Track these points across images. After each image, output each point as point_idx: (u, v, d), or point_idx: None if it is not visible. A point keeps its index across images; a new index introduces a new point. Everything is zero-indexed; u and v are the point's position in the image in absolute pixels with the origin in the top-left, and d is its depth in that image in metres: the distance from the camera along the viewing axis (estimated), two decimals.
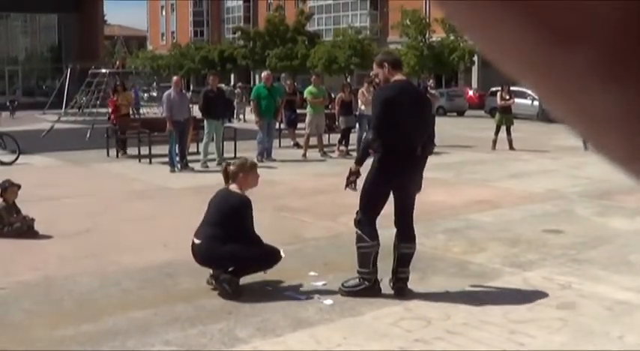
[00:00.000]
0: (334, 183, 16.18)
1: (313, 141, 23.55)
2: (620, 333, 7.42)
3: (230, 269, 8.59)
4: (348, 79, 58.91)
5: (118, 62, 46.88)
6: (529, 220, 12.81)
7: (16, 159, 21.79)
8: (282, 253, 8.91)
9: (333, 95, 30.77)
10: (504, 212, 13.62)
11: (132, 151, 23.36)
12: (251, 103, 23.33)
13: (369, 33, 76.05)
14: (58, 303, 8.43)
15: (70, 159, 23.35)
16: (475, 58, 61.23)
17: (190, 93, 33.43)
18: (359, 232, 8.64)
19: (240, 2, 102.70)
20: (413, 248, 8.74)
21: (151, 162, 21.84)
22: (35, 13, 75.74)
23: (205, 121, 21.07)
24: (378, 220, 8.67)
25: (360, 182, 8.72)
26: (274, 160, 21.94)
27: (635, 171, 0.55)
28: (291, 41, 76.07)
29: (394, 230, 8.76)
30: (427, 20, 64.11)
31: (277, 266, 8.93)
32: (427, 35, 64.55)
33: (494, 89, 39.81)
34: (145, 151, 22.33)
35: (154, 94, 54.49)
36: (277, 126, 25.04)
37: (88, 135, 29.40)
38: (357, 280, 8.63)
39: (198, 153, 21.52)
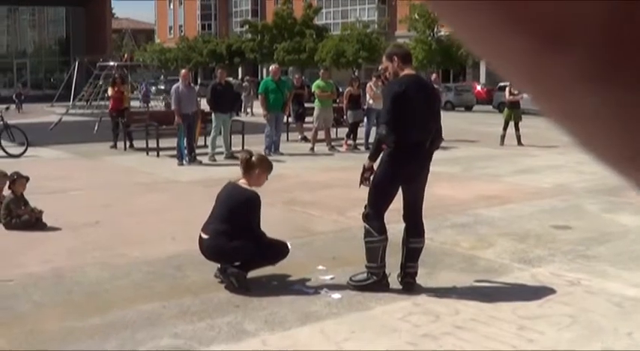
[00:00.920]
0: (342, 177, 16.23)
1: (321, 135, 23.54)
2: (629, 329, 7.40)
3: (237, 263, 8.59)
4: (356, 73, 58.91)
5: (126, 55, 46.90)
6: (538, 216, 12.78)
7: (25, 151, 21.85)
8: (289, 246, 8.91)
9: (340, 89, 30.77)
10: (513, 207, 13.59)
11: (140, 144, 23.38)
12: (259, 96, 23.32)
13: (377, 27, 76.03)
14: (66, 295, 8.43)
15: (78, 151, 23.39)
16: None
17: (198, 86, 33.38)
18: (367, 226, 8.62)
19: None
20: (422, 243, 8.73)
21: (158, 155, 21.87)
22: (43, 6, 75.88)
23: (213, 115, 21.08)
24: (387, 215, 8.66)
25: None
26: (282, 154, 21.94)
27: (624, 170, 0.55)
28: (299, 35, 76.07)
29: (403, 225, 8.75)
30: (435, 14, 63.96)
31: (285, 260, 8.93)
32: (435, 29, 64.53)
33: (502, 84, 39.81)
34: (152, 144, 22.35)
35: (162, 87, 54.53)
36: (285, 120, 25.00)
37: (95, 128, 29.42)
38: (365, 274, 8.62)
39: (206, 146, 21.54)
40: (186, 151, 20.15)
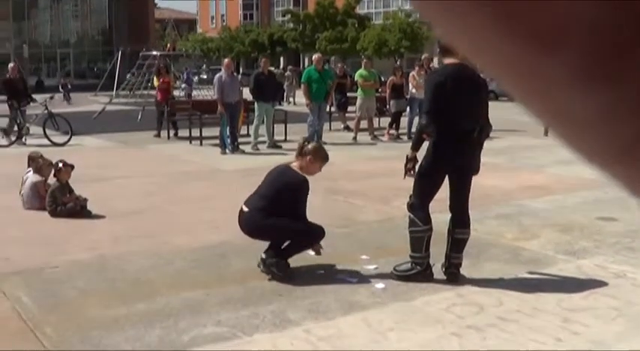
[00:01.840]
0: (385, 166, 16.21)
1: (363, 124, 23.50)
2: None
3: (277, 250, 8.58)
4: (399, 63, 58.76)
5: (169, 45, 47.09)
6: (582, 207, 12.68)
7: (69, 140, 22.05)
8: (324, 230, 8.88)
9: (383, 78, 30.69)
10: (557, 198, 13.49)
11: (183, 132, 23.47)
12: (302, 86, 23.31)
13: (419, 16, 75.68)
14: (111, 282, 8.49)
15: (122, 140, 23.54)
16: None
17: (240, 76, 33.48)
18: (412, 216, 8.59)
19: None
20: (467, 234, 8.68)
21: (201, 144, 21.96)
22: None
23: (256, 104, 21.11)
24: (432, 205, 8.62)
25: None
26: (325, 143, 21.81)
27: (615, 173, 0.54)
28: (341, 24, 75.91)
29: (448, 215, 8.71)
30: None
31: (329, 249, 8.94)
32: None
33: None
34: (196, 133, 22.42)
35: (204, 76, 54.69)
36: (328, 109, 24.98)
37: (139, 117, 29.58)
38: (410, 264, 8.59)
39: (248, 135, 21.59)
40: (229, 140, 20.21)
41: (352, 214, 12.08)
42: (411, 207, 8.63)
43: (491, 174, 14.31)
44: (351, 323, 7.25)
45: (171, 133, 24.19)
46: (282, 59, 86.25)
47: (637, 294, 8.17)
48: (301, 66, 70.94)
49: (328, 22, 76.70)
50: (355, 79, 24.42)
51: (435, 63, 26.28)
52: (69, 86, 47.22)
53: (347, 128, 25.55)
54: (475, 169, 8.69)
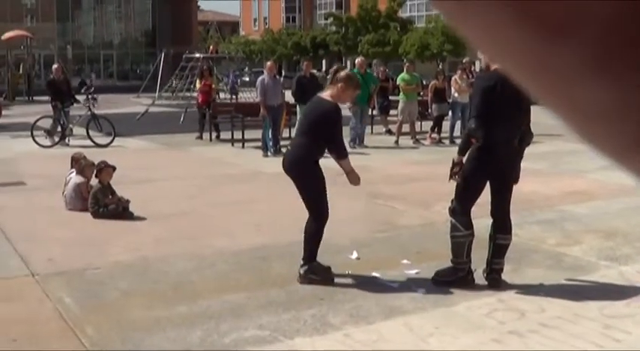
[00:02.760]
0: (427, 171, 16.18)
1: (405, 128, 23.46)
2: None
3: (307, 256, 8.58)
4: (441, 66, 58.60)
5: (212, 47, 47.20)
6: (625, 213, 12.57)
7: (112, 141, 22.18)
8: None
9: (425, 82, 30.63)
10: (599, 204, 13.39)
11: (225, 135, 23.54)
12: None
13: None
14: (153, 284, 8.53)
15: (164, 142, 23.67)
16: None
17: (283, 78, 33.54)
18: (454, 221, 8.57)
19: None
20: (509, 239, 8.64)
21: (243, 146, 22.03)
22: None
23: (298, 107, 21.12)
24: (473, 210, 8.58)
25: None
26: (366, 147, 21.95)
27: (629, 164, 0.55)
28: (384, 27, 75.84)
29: (489, 220, 8.67)
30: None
31: (370, 253, 8.96)
32: None
33: None
34: (238, 135, 22.48)
35: (247, 78, 54.83)
36: (370, 112, 24.97)
37: (181, 118, 29.71)
38: (451, 269, 8.56)
39: (290, 138, 21.59)
40: (271, 143, 20.24)
41: (393, 219, 12.05)
42: (452, 212, 8.60)
43: (532, 179, 14.22)
44: (391, 328, 7.24)
45: (214, 135, 24.27)
46: (324, 62, 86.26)
47: None
48: None
49: (371, 25, 76.65)
50: (397, 82, 24.38)
51: (477, 67, 26.20)
52: (91, 86, 42.41)
53: (389, 132, 25.50)
54: (516, 176, 8.65)
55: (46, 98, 24.64)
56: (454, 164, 8.59)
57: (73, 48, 70.01)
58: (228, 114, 23.96)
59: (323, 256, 8.71)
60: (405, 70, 24.60)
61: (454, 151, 8.93)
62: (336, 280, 8.55)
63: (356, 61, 23.78)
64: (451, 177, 8.63)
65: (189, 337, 6.92)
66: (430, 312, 7.70)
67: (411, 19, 79.75)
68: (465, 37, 0.54)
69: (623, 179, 13.12)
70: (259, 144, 20.73)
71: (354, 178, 8.78)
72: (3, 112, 33.61)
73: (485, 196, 8.61)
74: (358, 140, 22.22)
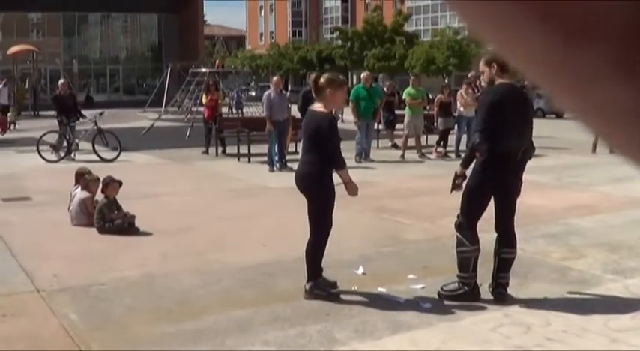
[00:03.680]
0: (433, 185, 16.15)
1: (411, 142, 23.46)
2: None
3: (311, 272, 8.57)
4: (446, 80, 58.63)
5: (217, 62, 47.31)
6: (630, 226, 12.56)
7: (118, 156, 22.19)
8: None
9: (431, 96, 30.64)
10: (605, 218, 13.38)
11: (231, 150, 23.55)
12: (350, 103, 23.34)
13: (467, 33, 75.54)
14: (159, 300, 8.52)
15: (170, 157, 23.69)
16: None
17: (289, 93, 33.59)
18: (459, 235, 8.56)
19: (339, 3, 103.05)
20: (514, 253, 8.64)
21: (249, 161, 22.04)
22: (136, 12, 76.98)
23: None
24: (478, 224, 8.58)
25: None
26: (372, 161, 21.96)
27: None
28: (389, 42, 75.98)
29: (494, 234, 8.66)
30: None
31: (376, 268, 8.94)
32: None
33: None
34: (244, 150, 22.49)
35: (253, 93, 54.92)
36: (376, 127, 24.99)
37: (187, 133, 29.76)
38: (457, 284, 8.56)
39: (297, 153, 21.56)
40: (277, 158, 20.24)
41: (399, 233, 12.04)
42: (458, 226, 8.60)
43: (537, 193, 14.25)
44: (397, 343, 7.23)
45: (220, 150, 24.27)
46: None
47: None
48: (349, 83, 70.99)
49: (376, 39, 76.79)
50: (403, 97, 24.39)
51: (483, 81, 26.21)
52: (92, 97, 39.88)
53: (395, 146, 25.51)
54: (518, 190, 8.66)
55: (52, 113, 24.68)
56: (456, 176, 8.64)
57: (79, 62, 70.12)
58: (234, 129, 23.96)
59: (328, 271, 8.72)
60: (410, 84, 24.61)
61: None
62: (342, 295, 8.54)
63: (361, 75, 23.82)
64: (453, 189, 8.65)
65: None
66: (436, 327, 7.68)
67: (416, 33, 79.91)
68: (484, 40, 0.54)
69: (628, 192, 13.18)
70: (265, 159, 20.74)
71: (352, 188, 8.75)
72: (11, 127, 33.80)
73: (491, 210, 8.60)
74: (364, 154, 22.23)
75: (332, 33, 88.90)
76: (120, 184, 12.48)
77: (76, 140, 22.84)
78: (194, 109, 35.86)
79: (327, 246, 8.58)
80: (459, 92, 23.67)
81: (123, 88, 76.93)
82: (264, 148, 20.96)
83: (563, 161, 21.65)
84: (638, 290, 8.94)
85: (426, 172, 20.07)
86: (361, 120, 22.17)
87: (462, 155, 19.86)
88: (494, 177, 8.40)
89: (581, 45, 0.48)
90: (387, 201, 14.87)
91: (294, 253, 9.41)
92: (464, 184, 8.59)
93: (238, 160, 22.56)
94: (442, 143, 24.06)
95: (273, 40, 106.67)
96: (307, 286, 8.50)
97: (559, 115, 48.89)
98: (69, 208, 12.69)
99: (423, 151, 23.70)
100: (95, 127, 22.97)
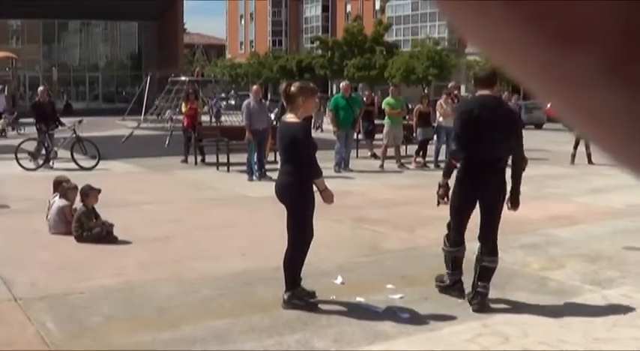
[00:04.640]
0: (412, 195, 16.20)
1: (390, 152, 23.49)
2: None
3: (289, 282, 8.57)
4: (426, 91, 58.78)
5: (197, 70, 47.28)
6: (609, 237, 12.62)
7: (96, 164, 22.10)
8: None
9: (410, 106, 30.69)
10: (584, 228, 13.44)
11: (210, 158, 23.52)
12: (329, 113, 23.36)
13: (447, 44, 75.71)
14: (137, 309, 8.50)
15: (149, 165, 23.64)
16: None
17: (269, 102, 33.59)
18: (445, 235, 8.98)
19: (319, 12, 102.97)
20: (495, 263, 8.76)
21: (229, 170, 22.01)
22: (116, 20, 76.91)
23: None
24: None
25: None
26: (351, 171, 21.97)
27: (636, 167, 0.56)
28: (369, 51, 76.02)
29: (477, 244, 8.73)
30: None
31: (354, 278, 8.94)
32: None
33: None
34: (223, 159, 22.48)
35: (232, 102, 54.91)
36: (355, 136, 25.01)
37: (166, 142, 29.72)
38: (444, 275, 9.07)
39: (276, 162, 21.55)
40: (256, 167, 20.22)
41: (377, 243, 12.04)
42: (448, 226, 8.97)
43: None
44: None
45: (199, 158, 24.24)
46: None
47: None
48: (329, 93, 71.04)
49: (357, 49, 76.81)
50: (382, 106, 24.43)
51: (463, 91, 26.29)
52: (15, 113, 39.31)
53: (374, 156, 25.52)
54: (502, 199, 8.76)
55: (31, 120, 24.59)
56: (439, 187, 8.74)
57: (59, 70, 70.02)
58: (213, 137, 23.94)
59: (307, 281, 8.71)
60: (390, 94, 24.64)
61: (439, 175, 9.05)
62: (321, 305, 8.54)
63: (341, 85, 23.83)
64: (439, 201, 8.76)
65: None
66: (414, 337, 7.69)
67: (396, 43, 79.89)
68: (476, 45, 0.54)
69: (607, 203, 13.25)
70: (244, 168, 20.73)
71: (327, 196, 8.77)
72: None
73: (475, 219, 8.69)
74: (343, 164, 22.24)
75: (312, 42, 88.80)
76: (98, 192, 12.44)
77: (55, 148, 22.77)
78: (174, 117, 35.83)
79: (306, 256, 8.59)
80: (438, 102, 23.72)
81: (102, 95, 76.85)
82: (243, 157, 20.96)
83: (543, 172, 21.68)
84: (617, 301, 8.96)
85: (404, 182, 20.09)
86: (340, 129, 22.18)
87: (441, 165, 20.02)
88: (470, 185, 8.61)
89: (575, 51, 0.48)
90: (366, 211, 14.88)
91: (272, 262, 9.40)
92: (450, 194, 8.70)
93: (217, 168, 22.53)
94: (421, 153, 24.08)
95: (253, 49, 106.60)
96: (285, 296, 8.50)
97: (538, 126, 49.10)
98: (47, 217, 12.64)
99: (402, 161, 23.74)
100: (74, 135, 22.89)
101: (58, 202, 12.54)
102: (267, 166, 20.48)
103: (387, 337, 7.63)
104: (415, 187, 18.23)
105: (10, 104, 40.52)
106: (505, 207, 8.82)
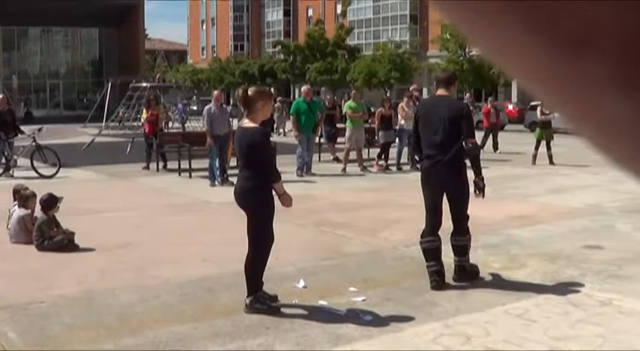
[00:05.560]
0: (374, 198, 16.24)
1: (353, 155, 23.50)
2: None
3: (251, 287, 8.57)
4: (388, 94, 58.88)
5: (158, 76, 47.16)
6: (569, 236, 12.71)
7: (57, 172, 21.96)
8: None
9: (372, 109, 30.76)
10: (544, 228, 13.52)
11: (172, 165, 23.46)
12: (290, 117, 23.37)
13: (409, 47, 75.87)
14: (98, 316, 8.46)
15: (111, 172, 23.53)
16: None
17: (230, 107, 33.55)
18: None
19: (281, 16, 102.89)
20: (466, 240, 9.84)
21: (191, 176, 21.96)
22: (76, 27, 76.57)
23: None
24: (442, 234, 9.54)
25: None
26: (314, 175, 21.97)
27: None
28: (331, 55, 75.97)
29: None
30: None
31: (317, 281, 8.97)
32: (467, 49, 64.31)
33: (534, 103, 39.65)
34: (185, 164, 22.43)
35: (194, 107, 54.80)
36: (317, 140, 25.04)
37: (128, 149, 29.60)
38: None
39: (237, 167, 21.57)
40: (218, 172, 20.20)
41: (340, 246, 12.06)
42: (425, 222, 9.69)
43: (478, 203, 14.29)
44: None
45: (161, 165, 24.15)
46: (272, 90, 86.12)
47: (623, 322, 8.20)
48: (292, 97, 71.04)
49: (318, 53, 76.74)
50: (344, 110, 24.44)
51: (424, 94, 26.41)
52: (32, 112, 40.21)
53: (336, 159, 25.52)
54: (461, 189, 9.60)
55: None
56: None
57: (19, 77, 69.61)
58: (175, 143, 23.86)
59: (269, 285, 8.72)
60: (351, 97, 24.68)
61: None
62: (283, 308, 8.55)
63: (302, 89, 23.86)
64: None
65: None
66: (377, 339, 7.71)
67: (358, 47, 79.93)
68: (482, 51, 0.53)
69: (567, 202, 13.36)
70: (206, 173, 20.69)
71: (285, 199, 8.77)
72: None
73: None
74: (305, 168, 22.25)
75: (274, 47, 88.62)
76: (59, 200, 12.37)
77: (14, 156, 22.62)
78: (135, 124, 35.72)
79: (268, 259, 8.60)
80: (400, 105, 23.78)
81: (63, 103, 76.49)
82: (205, 163, 20.91)
83: (504, 172, 21.82)
84: (578, 299, 9.03)
85: (367, 185, 20.10)
86: (302, 133, 22.20)
87: (403, 168, 20.25)
88: (424, 178, 9.66)
89: (583, 57, 0.47)
90: (328, 214, 14.90)
91: (234, 267, 9.38)
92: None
93: (179, 174, 22.48)
94: (383, 156, 24.13)
95: (214, 54, 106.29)
96: (247, 301, 8.50)
97: (500, 127, 49.22)
98: (7, 226, 12.56)
99: (365, 164, 23.73)
100: (33, 143, 22.74)
101: (18, 211, 12.46)
102: (229, 172, 20.44)
103: (350, 340, 7.65)
104: (377, 190, 18.29)
105: None
106: (472, 194, 9.85)
